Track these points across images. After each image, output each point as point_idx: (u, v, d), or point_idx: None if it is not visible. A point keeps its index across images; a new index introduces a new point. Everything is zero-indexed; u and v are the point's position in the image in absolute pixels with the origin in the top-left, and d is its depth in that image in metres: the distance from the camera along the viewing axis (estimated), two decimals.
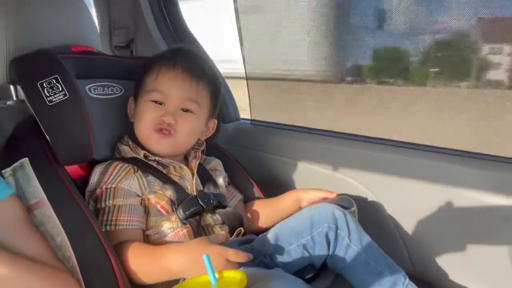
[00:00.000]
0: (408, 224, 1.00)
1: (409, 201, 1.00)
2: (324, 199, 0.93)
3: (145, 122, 0.84)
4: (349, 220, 0.79)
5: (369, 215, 1.01)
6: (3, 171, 0.74)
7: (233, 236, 0.85)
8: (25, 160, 0.72)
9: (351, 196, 1.04)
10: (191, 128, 0.87)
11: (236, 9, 1.18)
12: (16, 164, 0.73)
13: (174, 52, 0.91)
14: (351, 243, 0.77)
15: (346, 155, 1.09)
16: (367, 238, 0.80)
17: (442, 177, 0.95)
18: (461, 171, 0.94)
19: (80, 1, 0.98)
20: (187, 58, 0.88)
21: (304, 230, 0.77)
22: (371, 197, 1.04)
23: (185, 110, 0.85)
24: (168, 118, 0.83)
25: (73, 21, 0.96)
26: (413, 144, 1.04)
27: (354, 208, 0.88)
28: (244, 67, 1.32)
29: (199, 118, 0.88)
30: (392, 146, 1.05)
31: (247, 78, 1.34)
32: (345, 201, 0.89)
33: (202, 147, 0.96)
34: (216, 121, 0.97)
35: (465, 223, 0.93)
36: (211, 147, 1.06)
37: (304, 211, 0.82)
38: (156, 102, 0.85)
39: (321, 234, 0.77)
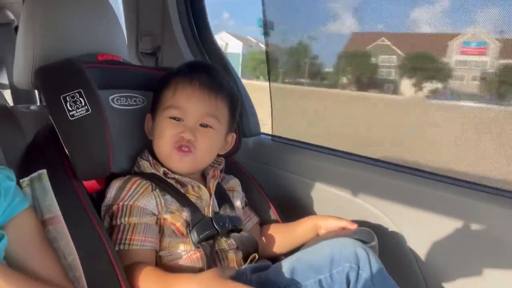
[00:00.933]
0: (430, 260, 0.96)
1: (432, 236, 0.95)
2: (343, 229, 0.89)
3: (165, 139, 0.83)
4: (372, 260, 0.75)
5: (388, 246, 0.97)
6: (20, 180, 0.74)
7: (246, 263, 0.83)
8: (44, 172, 0.72)
9: (371, 225, 1.00)
10: (211, 143, 0.85)
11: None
12: (34, 174, 0.73)
13: (191, 67, 0.90)
14: (374, 287, 0.73)
15: (368, 181, 1.05)
16: (391, 283, 0.75)
17: (469, 213, 0.91)
18: (489, 209, 0.89)
19: (109, 8, 0.98)
20: (204, 72, 0.87)
21: (323, 266, 0.74)
22: (392, 228, 1.00)
23: (204, 126, 0.84)
24: (187, 134, 0.82)
25: (101, 29, 0.95)
26: (441, 176, 1.00)
27: (375, 242, 0.84)
28: (269, 80, 1.30)
29: (219, 133, 0.87)
30: (419, 176, 1.01)
31: (271, 92, 1.32)
32: (366, 234, 0.85)
33: (221, 166, 0.94)
34: (235, 135, 0.95)
35: (491, 264, 0.88)
36: (230, 164, 1.04)
37: (323, 245, 0.79)
38: (174, 118, 0.83)
39: (341, 273, 0.73)
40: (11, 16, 1.69)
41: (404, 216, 0.98)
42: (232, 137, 0.94)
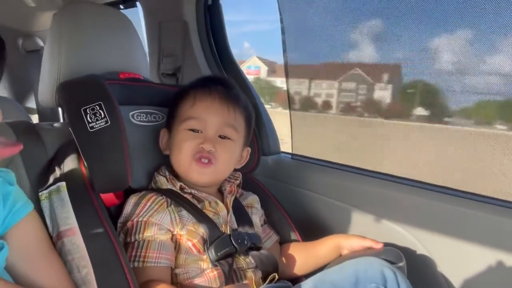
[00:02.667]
0: (464, 287, 0.89)
1: (466, 260, 0.89)
2: (368, 249, 0.84)
3: (184, 151, 0.82)
4: (401, 281, 0.69)
5: (418, 270, 0.91)
6: (40, 193, 0.74)
7: (266, 283, 0.79)
8: (62, 184, 0.72)
9: (398, 247, 0.94)
10: (230, 155, 0.84)
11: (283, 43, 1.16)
12: (53, 187, 0.73)
13: (208, 80, 0.91)
14: None
15: (395, 200, 1.00)
16: None
17: (506, 235, 0.84)
18: None
19: (132, 29, 1.01)
20: (221, 85, 0.87)
21: (347, 286, 0.69)
22: (421, 250, 0.94)
23: (223, 137, 0.83)
24: (207, 145, 0.81)
25: (124, 49, 0.98)
26: (473, 194, 0.94)
27: (403, 263, 0.79)
28: (288, 99, 1.29)
29: (237, 145, 0.86)
30: (449, 195, 0.95)
31: (290, 110, 1.31)
32: (393, 254, 0.80)
33: (238, 181, 0.92)
34: (249, 149, 0.93)
35: None
36: (248, 180, 1.02)
37: (348, 264, 0.74)
38: (193, 130, 0.83)
39: None
40: (41, 43, 1.77)
41: (434, 238, 0.92)
42: (247, 152, 0.93)
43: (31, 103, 1.86)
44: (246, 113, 0.88)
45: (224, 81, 0.91)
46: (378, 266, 0.70)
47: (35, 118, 1.81)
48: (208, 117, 0.83)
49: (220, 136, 0.83)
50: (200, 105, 0.83)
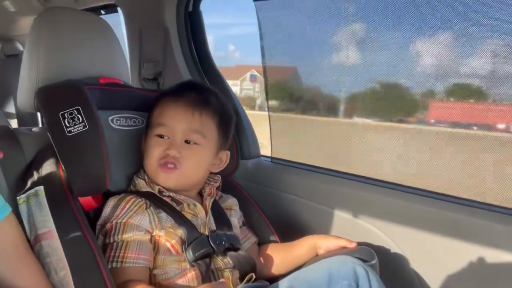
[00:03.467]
0: (435, 283, 0.92)
1: (436, 257, 0.92)
2: (343, 248, 0.87)
3: (151, 157, 0.84)
4: (372, 278, 0.72)
5: (391, 268, 0.94)
6: (17, 197, 0.74)
7: (243, 282, 0.81)
8: (40, 188, 0.72)
9: (372, 246, 0.97)
10: (198, 159, 0.85)
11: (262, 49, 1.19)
12: (31, 191, 0.73)
13: (179, 86, 0.92)
14: None
15: (369, 201, 1.03)
16: None
17: (474, 233, 0.88)
18: (494, 228, 0.86)
19: (112, 35, 1.02)
20: (190, 90, 0.88)
21: (321, 284, 0.72)
22: (394, 249, 0.98)
23: (190, 142, 0.85)
24: (172, 151, 0.83)
25: (103, 54, 0.99)
26: (443, 195, 0.98)
27: (375, 261, 0.82)
28: (267, 102, 1.31)
29: (206, 150, 0.87)
30: (421, 196, 0.99)
31: (269, 114, 1.34)
32: (365, 253, 0.83)
33: (218, 183, 0.94)
34: (229, 152, 0.95)
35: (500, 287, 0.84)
36: (228, 183, 1.04)
37: (322, 263, 0.77)
38: (161, 136, 0.85)
39: None
40: (21, 47, 1.76)
41: (407, 237, 0.96)
42: (226, 155, 0.94)
43: (11, 108, 1.84)
44: (219, 118, 0.89)
45: (197, 87, 0.92)
46: (350, 264, 0.73)
47: (14, 123, 1.79)
48: (173, 123, 0.84)
49: (186, 141, 0.85)
50: (167, 112, 0.85)
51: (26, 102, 0.91)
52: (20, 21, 1.66)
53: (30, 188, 0.74)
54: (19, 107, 0.95)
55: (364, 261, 0.79)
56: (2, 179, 0.76)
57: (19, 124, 1.77)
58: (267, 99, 1.33)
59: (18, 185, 0.77)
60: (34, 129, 0.94)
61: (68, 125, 0.72)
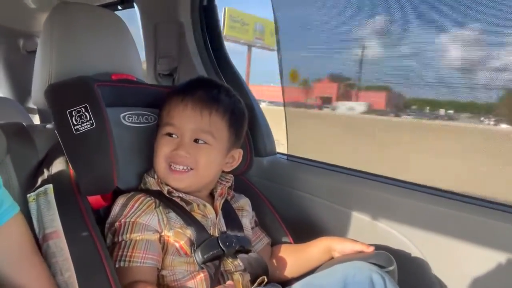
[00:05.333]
0: None
1: (460, 262, 0.87)
2: (359, 253, 0.83)
3: (160, 156, 0.83)
4: (389, 286, 0.69)
5: (411, 273, 0.90)
6: (28, 195, 0.74)
7: (254, 286, 0.78)
8: (49, 186, 0.72)
9: (391, 250, 0.93)
10: (207, 159, 0.83)
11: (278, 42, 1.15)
12: (40, 189, 0.73)
13: (187, 85, 0.89)
14: None
15: (389, 202, 0.99)
16: None
17: (502, 237, 0.83)
18: None
19: (126, 30, 1.00)
20: (199, 89, 0.85)
21: None
22: (415, 253, 0.93)
23: (199, 142, 0.82)
24: (181, 151, 0.81)
25: (116, 50, 0.97)
26: (469, 197, 0.92)
27: (394, 267, 0.78)
28: (283, 100, 1.28)
29: (216, 149, 0.84)
30: (445, 198, 0.94)
31: (285, 110, 1.30)
32: (383, 258, 0.79)
33: (229, 183, 0.92)
34: (241, 151, 0.92)
35: None
36: (241, 182, 1.01)
37: (336, 268, 0.73)
38: (170, 135, 0.83)
39: None
40: None
41: (428, 241, 0.91)
42: (239, 153, 0.91)
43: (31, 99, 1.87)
44: (228, 116, 0.86)
45: (206, 84, 0.89)
46: (366, 271, 0.70)
47: (36, 118, 1.82)
48: (181, 123, 0.82)
49: (196, 141, 0.82)
50: (175, 112, 0.83)
51: (40, 98, 0.91)
52: (40, 17, 1.68)
53: (40, 186, 0.73)
54: (34, 104, 0.96)
55: (381, 267, 0.75)
56: (13, 176, 0.76)
57: (41, 119, 1.80)
58: (283, 95, 1.29)
59: (29, 183, 0.76)
60: (49, 125, 0.94)
61: (75, 123, 0.71)
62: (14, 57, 1.84)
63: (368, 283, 0.68)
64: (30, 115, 1.76)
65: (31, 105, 1.88)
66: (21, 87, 1.86)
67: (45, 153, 0.83)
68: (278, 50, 1.14)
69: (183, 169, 0.81)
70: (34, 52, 1.78)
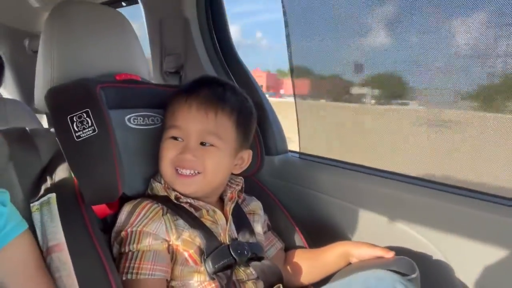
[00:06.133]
0: None
1: (486, 265, 0.82)
2: (378, 258, 0.79)
3: (165, 161, 0.79)
4: None
5: (433, 278, 0.86)
6: (31, 204, 0.71)
7: None
8: (53, 196, 0.69)
9: (412, 253, 0.89)
10: (215, 162, 0.79)
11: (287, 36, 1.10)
12: (44, 198, 0.70)
13: (191, 85, 0.85)
14: None
15: (409, 202, 0.94)
16: None
17: None
18: None
19: (129, 28, 0.97)
20: (203, 89, 0.81)
21: None
22: (437, 256, 0.88)
23: (206, 145, 0.78)
24: (187, 155, 0.77)
25: (120, 49, 0.94)
26: (494, 196, 0.87)
27: (417, 274, 0.73)
28: (294, 96, 1.23)
29: (224, 151, 0.80)
30: (467, 197, 0.88)
31: (296, 107, 1.25)
32: (405, 265, 0.74)
33: (240, 186, 0.88)
34: (251, 151, 0.88)
35: None
36: (252, 183, 0.97)
37: (356, 278, 0.69)
38: (175, 138, 0.79)
39: None
40: None
41: (451, 243, 0.86)
42: (248, 154, 0.87)
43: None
44: (235, 116, 0.81)
45: (212, 82, 0.85)
46: (388, 282, 0.65)
47: (44, 119, 1.80)
48: (186, 125, 0.78)
49: (202, 143, 0.79)
50: (178, 114, 0.80)
51: (42, 101, 0.88)
52: (45, 16, 1.66)
53: (43, 195, 0.71)
54: (37, 107, 0.93)
55: (403, 274, 0.71)
56: (16, 184, 0.74)
57: (49, 120, 1.78)
58: (293, 88, 1.24)
59: (32, 191, 0.74)
60: (53, 129, 0.92)
61: (76, 129, 0.68)
62: (20, 57, 1.82)
63: None
64: (38, 115, 1.75)
65: (36, 106, 1.87)
66: (27, 88, 1.84)
67: (49, 159, 0.80)
68: (288, 44, 1.09)
69: (190, 173, 0.78)
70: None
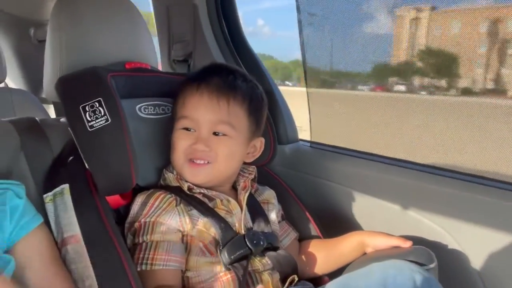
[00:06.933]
0: (500, 284, 0.81)
1: (504, 257, 0.81)
2: (395, 248, 0.78)
3: (177, 152, 0.78)
4: None
5: (449, 267, 0.84)
6: (44, 195, 0.71)
7: (285, 286, 0.74)
8: (66, 187, 0.68)
9: (427, 242, 0.88)
10: (228, 152, 0.78)
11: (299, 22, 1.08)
12: (57, 189, 0.70)
13: (201, 73, 0.83)
14: None
15: (423, 191, 0.93)
16: None
17: None
18: None
19: (137, 15, 0.94)
20: (213, 77, 0.79)
21: None
22: (452, 245, 0.87)
23: (219, 134, 0.77)
24: (200, 145, 0.76)
25: (128, 37, 0.92)
26: (510, 184, 0.85)
27: (435, 264, 0.72)
28: (306, 83, 1.21)
29: (236, 140, 0.79)
30: (484, 185, 0.87)
31: (308, 95, 1.23)
32: (423, 255, 0.73)
33: (253, 175, 0.86)
34: (263, 139, 0.86)
35: None
36: (264, 173, 0.96)
37: (374, 268, 0.68)
38: (187, 129, 0.78)
39: None
40: None
41: (467, 232, 0.85)
42: (260, 142, 0.86)
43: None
44: (247, 104, 0.80)
45: (222, 70, 0.83)
46: (408, 272, 0.64)
47: (51, 109, 1.79)
48: (198, 115, 0.77)
49: (215, 133, 0.77)
50: (189, 104, 0.78)
51: (52, 91, 0.86)
52: (50, 4, 1.64)
53: (56, 185, 0.70)
54: (46, 96, 0.92)
55: (421, 265, 0.70)
56: (29, 176, 0.73)
57: (56, 110, 1.77)
58: (305, 77, 1.22)
59: (45, 182, 0.73)
60: (63, 119, 0.90)
61: (89, 119, 0.67)
62: (26, 47, 1.80)
63: (411, 285, 0.62)
64: (45, 105, 1.73)
65: (45, 95, 1.86)
66: (33, 78, 1.83)
67: (60, 149, 0.79)
68: (300, 32, 1.06)
69: (202, 162, 0.77)
70: (45, 41, 1.76)
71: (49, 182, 0.72)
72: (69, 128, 0.70)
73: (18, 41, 1.80)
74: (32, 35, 1.78)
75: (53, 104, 1.77)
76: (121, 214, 0.78)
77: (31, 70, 1.82)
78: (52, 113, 1.77)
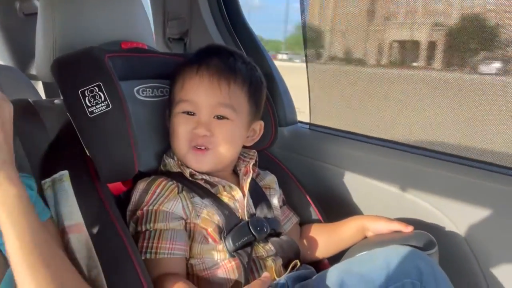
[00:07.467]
0: (494, 263, 0.84)
1: (496, 236, 0.83)
2: (396, 233, 0.79)
3: (179, 137, 0.76)
4: (439, 276, 0.64)
5: (445, 247, 0.86)
6: (42, 181, 0.69)
7: (287, 271, 0.74)
8: (65, 173, 0.66)
9: (424, 224, 0.89)
10: (230, 136, 0.76)
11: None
12: (56, 175, 0.67)
13: (199, 54, 0.80)
14: None
15: (421, 173, 0.93)
16: None
17: None
18: None
19: None
20: (213, 58, 0.77)
21: (376, 279, 0.64)
22: (449, 227, 0.89)
23: (220, 118, 0.75)
24: (201, 130, 0.74)
25: (124, 16, 0.88)
26: (509, 168, 0.86)
27: (435, 249, 0.73)
28: (306, 64, 1.18)
29: (238, 124, 0.77)
30: (479, 169, 0.88)
31: (308, 75, 1.21)
32: (424, 240, 0.74)
33: (254, 160, 0.85)
34: (262, 122, 0.85)
35: None
36: (264, 157, 0.95)
37: (377, 254, 0.68)
38: (187, 113, 0.76)
39: None
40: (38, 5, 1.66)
41: (463, 214, 0.86)
42: (260, 125, 0.84)
43: (34, 70, 1.78)
44: (247, 86, 0.78)
45: (221, 51, 0.80)
46: (411, 258, 0.65)
47: (40, 85, 1.74)
48: (198, 98, 0.75)
49: (216, 117, 0.75)
50: (189, 87, 0.75)
51: (45, 71, 0.83)
52: None
53: (55, 171, 0.68)
54: (39, 76, 0.88)
55: (422, 249, 0.71)
56: (25, 162, 0.71)
57: (45, 87, 1.71)
58: (305, 54, 1.20)
59: (42, 168, 0.70)
60: (57, 101, 0.87)
61: (89, 104, 0.64)
62: (11, 21, 1.72)
63: (415, 273, 0.63)
64: (33, 82, 1.68)
65: (33, 71, 1.79)
66: (20, 53, 1.75)
67: (55, 133, 0.77)
68: (302, 12, 1.03)
69: (204, 148, 0.75)
70: (32, 15, 1.68)
71: (46, 168, 0.70)
72: (67, 114, 0.67)
73: (2, 15, 1.72)
74: (17, 9, 1.70)
75: (42, 84, 1.71)
76: (121, 200, 0.77)
77: (18, 45, 1.74)
78: (40, 89, 1.71)
